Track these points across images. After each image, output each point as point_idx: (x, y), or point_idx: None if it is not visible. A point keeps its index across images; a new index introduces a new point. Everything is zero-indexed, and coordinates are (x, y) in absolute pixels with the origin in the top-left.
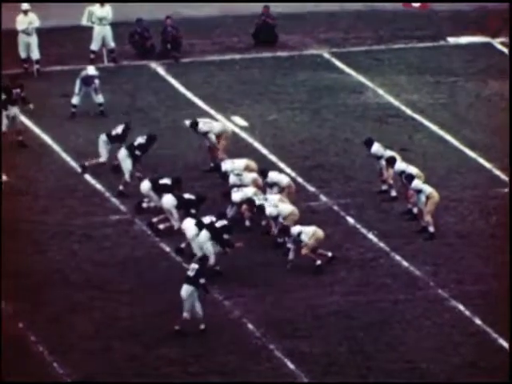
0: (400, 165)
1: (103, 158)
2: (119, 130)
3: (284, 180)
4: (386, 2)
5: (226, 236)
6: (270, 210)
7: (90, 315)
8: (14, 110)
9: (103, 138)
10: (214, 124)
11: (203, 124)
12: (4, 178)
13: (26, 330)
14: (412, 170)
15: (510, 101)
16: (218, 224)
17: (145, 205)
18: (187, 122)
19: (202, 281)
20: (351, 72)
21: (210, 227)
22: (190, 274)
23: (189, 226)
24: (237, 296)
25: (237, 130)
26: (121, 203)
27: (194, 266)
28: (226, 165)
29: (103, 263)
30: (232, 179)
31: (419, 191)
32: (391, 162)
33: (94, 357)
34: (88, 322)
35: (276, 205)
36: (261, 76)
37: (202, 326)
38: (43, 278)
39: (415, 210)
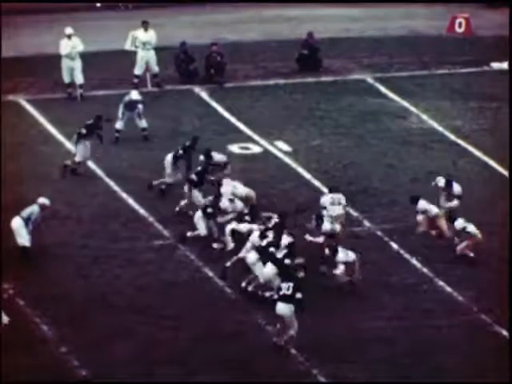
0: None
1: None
2: (181, 151)
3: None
4: None
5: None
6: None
7: (132, 340)
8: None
9: (168, 158)
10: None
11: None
12: (46, 202)
13: (69, 354)
14: (433, 209)
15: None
16: (280, 254)
17: (189, 234)
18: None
19: (299, 295)
20: (395, 97)
21: (274, 259)
22: (287, 292)
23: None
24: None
25: (280, 155)
26: (164, 228)
27: (289, 283)
28: (227, 186)
29: (146, 288)
30: (224, 203)
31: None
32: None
33: (136, 382)
34: (131, 347)
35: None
36: (304, 101)
37: (282, 343)
38: (86, 302)
39: (457, 240)
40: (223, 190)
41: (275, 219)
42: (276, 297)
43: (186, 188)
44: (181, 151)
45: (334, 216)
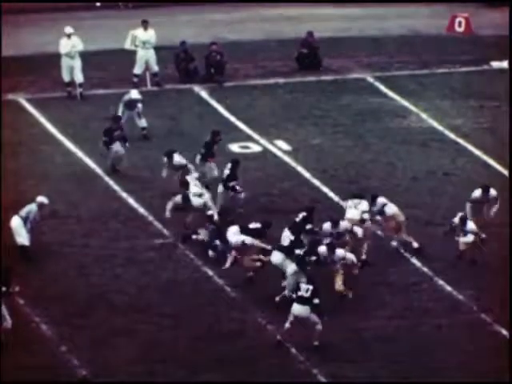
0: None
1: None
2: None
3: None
4: None
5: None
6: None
7: (133, 339)
8: (116, 148)
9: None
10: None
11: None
12: (44, 200)
13: (69, 353)
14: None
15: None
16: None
17: (194, 237)
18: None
19: (316, 301)
20: (395, 96)
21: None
22: (305, 294)
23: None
24: (280, 320)
25: (280, 154)
26: (163, 227)
27: (308, 286)
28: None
29: (146, 287)
30: (197, 201)
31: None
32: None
33: (137, 381)
34: (131, 346)
35: None
36: (304, 100)
37: (316, 343)
38: (86, 301)
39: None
40: (191, 188)
41: (302, 214)
42: (294, 296)
43: (220, 189)
44: (203, 150)
45: (348, 218)
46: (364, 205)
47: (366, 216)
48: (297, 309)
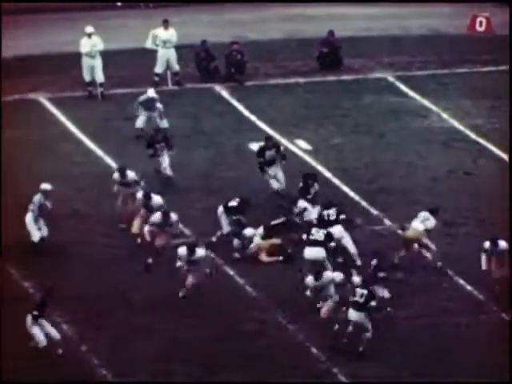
0: None
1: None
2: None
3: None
4: None
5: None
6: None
7: (153, 338)
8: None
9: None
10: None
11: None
12: (48, 187)
13: (89, 353)
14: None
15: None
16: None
17: (214, 239)
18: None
19: (373, 303)
20: (415, 96)
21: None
22: (360, 300)
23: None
24: (301, 320)
25: (300, 153)
26: (184, 226)
27: (363, 291)
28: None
29: (165, 286)
30: (157, 200)
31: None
32: None
33: (156, 380)
34: (151, 345)
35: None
36: (325, 99)
37: (361, 349)
38: (106, 300)
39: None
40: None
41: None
42: (350, 300)
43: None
44: (260, 159)
45: (412, 228)
46: (431, 222)
47: (426, 240)
48: (352, 314)
